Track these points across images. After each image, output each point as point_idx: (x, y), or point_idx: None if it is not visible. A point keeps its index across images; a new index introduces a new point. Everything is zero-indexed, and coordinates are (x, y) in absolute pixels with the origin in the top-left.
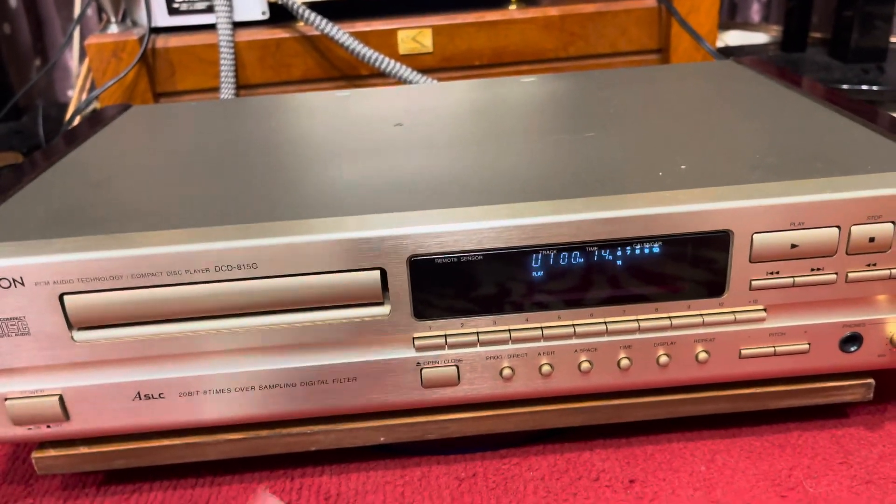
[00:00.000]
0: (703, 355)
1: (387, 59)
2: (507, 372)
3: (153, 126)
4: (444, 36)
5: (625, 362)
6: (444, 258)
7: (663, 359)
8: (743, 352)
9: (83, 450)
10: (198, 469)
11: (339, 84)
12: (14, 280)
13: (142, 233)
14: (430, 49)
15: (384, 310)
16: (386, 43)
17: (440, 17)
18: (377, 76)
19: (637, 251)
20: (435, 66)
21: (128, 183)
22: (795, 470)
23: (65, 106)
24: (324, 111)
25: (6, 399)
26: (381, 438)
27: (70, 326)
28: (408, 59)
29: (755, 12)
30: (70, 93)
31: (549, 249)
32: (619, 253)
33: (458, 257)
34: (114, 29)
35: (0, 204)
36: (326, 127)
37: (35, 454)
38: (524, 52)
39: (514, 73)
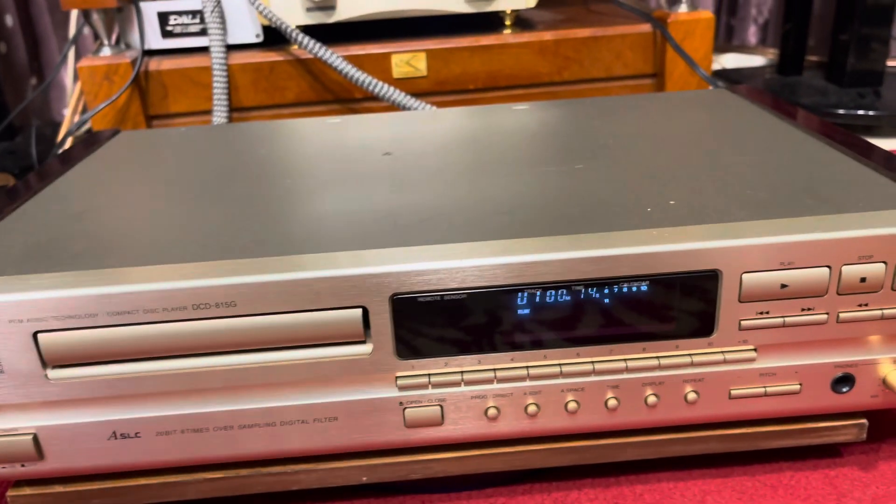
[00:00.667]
0: (692, 395)
1: (380, 84)
2: (492, 412)
3: (141, 153)
4: (438, 60)
5: (612, 402)
6: (427, 297)
7: (651, 399)
8: (733, 392)
9: (59, 489)
10: None
11: (333, 107)
12: None
13: (119, 269)
14: (425, 73)
15: (366, 348)
16: (380, 67)
17: (435, 41)
18: (371, 99)
19: (625, 290)
20: (429, 89)
21: (110, 214)
22: None
23: (59, 125)
24: (314, 139)
25: None
26: (364, 478)
27: (44, 364)
28: (402, 83)
29: (752, 35)
30: (65, 112)
31: (535, 288)
32: (606, 291)
33: (442, 296)
34: (106, 52)
35: None
36: (316, 155)
37: (10, 493)
38: (519, 76)
39: (509, 96)
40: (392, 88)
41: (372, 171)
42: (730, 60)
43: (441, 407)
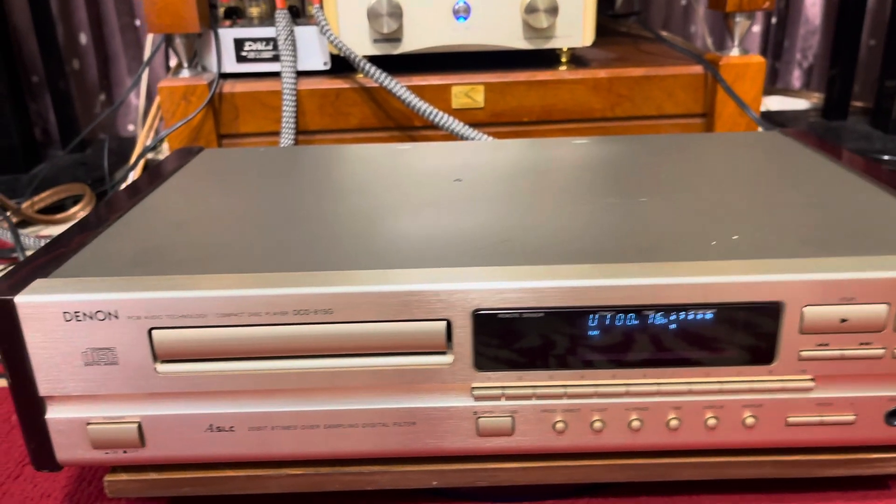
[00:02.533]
0: (750, 420)
1: (440, 113)
2: (559, 426)
3: (226, 169)
4: (495, 93)
5: (674, 423)
6: (507, 314)
7: (711, 421)
8: (789, 419)
9: (153, 475)
10: (258, 501)
11: (393, 133)
12: (109, 313)
13: (227, 275)
14: (482, 104)
15: (447, 359)
16: (440, 97)
17: (493, 74)
18: (430, 128)
19: (690, 317)
20: (485, 120)
21: (207, 225)
22: None
23: (126, 140)
24: (386, 163)
25: (88, 423)
26: (434, 483)
27: (155, 359)
28: (459, 113)
29: (796, 78)
30: (131, 127)
31: (607, 311)
32: (673, 317)
33: (521, 313)
34: (185, 73)
35: (92, 241)
36: (389, 179)
37: (108, 477)
38: (572, 111)
39: (562, 130)
40: (451, 118)
41: (445, 195)
42: (774, 103)
43: (512, 418)
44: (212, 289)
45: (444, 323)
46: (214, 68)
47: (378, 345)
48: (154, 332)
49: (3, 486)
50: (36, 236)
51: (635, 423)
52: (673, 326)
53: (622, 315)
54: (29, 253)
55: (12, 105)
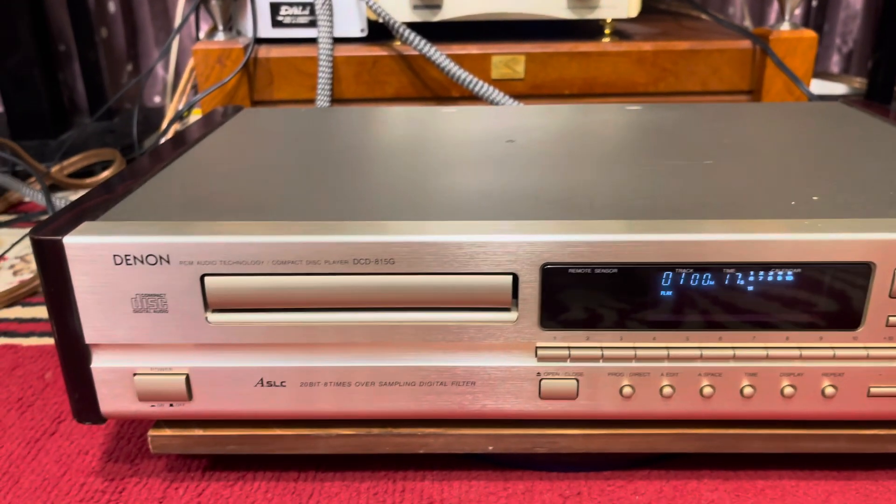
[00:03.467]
0: (829, 390)
1: (481, 83)
2: (627, 390)
3: (269, 127)
4: (536, 63)
5: (748, 390)
6: (578, 269)
7: (788, 390)
8: (872, 390)
9: (198, 431)
10: (301, 463)
11: (430, 103)
12: (161, 257)
13: (284, 221)
14: (522, 76)
15: (511, 316)
16: (479, 67)
17: (534, 44)
18: (468, 98)
19: (772, 277)
20: (525, 92)
21: (256, 176)
22: None
23: (152, 110)
24: (434, 124)
25: (135, 374)
26: (490, 447)
27: (206, 307)
28: (499, 84)
29: (834, 63)
30: (157, 99)
31: (685, 268)
32: (754, 277)
33: (592, 269)
34: (220, 37)
35: (138, 188)
36: (441, 139)
37: (152, 432)
38: (615, 85)
39: (604, 104)
40: (492, 88)
41: (500, 154)
42: (814, 86)
43: (577, 381)
44: (268, 234)
45: (511, 277)
46: (250, 33)
47: (440, 298)
48: (206, 278)
49: (38, 442)
50: (67, 200)
51: (707, 390)
52: (752, 287)
53: (699, 273)
54: None
55: (42, 71)
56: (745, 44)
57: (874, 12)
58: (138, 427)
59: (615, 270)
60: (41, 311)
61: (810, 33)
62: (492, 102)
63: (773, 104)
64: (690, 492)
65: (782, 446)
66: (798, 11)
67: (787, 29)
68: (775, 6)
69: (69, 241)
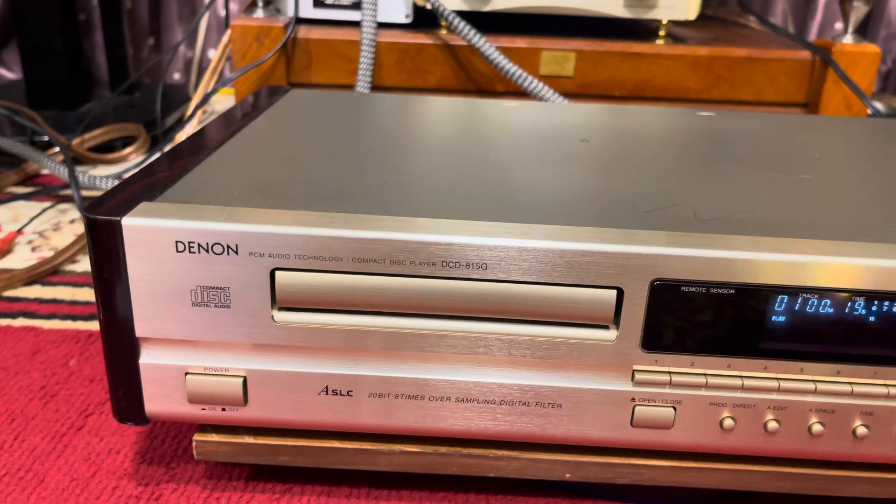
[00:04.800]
0: None
1: (531, 78)
2: (728, 423)
3: (321, 110)
4: (587, 62)
5: (861, 430)
6: (692, 287)
7: None
8: None
9: (248, 439)
10: (353, 478)
11: (473, 96)
12: (228, 247)
13: (367, 215)
14: (571, 73)
15: (610, 334)
16: (527, 62)
17: (585, 42)
18: (513, 94)
19: None
20: (573, 91)
21: (324, 163)
22: None
23: (173, 87)
24: (496, 117)
25: (187, 373)
26: (568, 475)
27: (273, 304)
28: (547, 81)
29: None
30: (177, 75)
31: (807, 293)
32: (877, 307)
33: (708, 288)
34: (260, 13)
35: (194, 167)
36: (511, 134)
37: (197, 437)
38: (667, 89)
39: (673, 107)
40: (542, 85)
41: (577, 154)
42: None
43: (675, 409)
44: (350, 228)
45: (615, 292)
46: (290, 12)
47: (534, 310)
48: (278, 273)
49: (65, 437)
50: (88, 175)
51: (816, 428)
52: (876, 317)
53: (820, 299)
54: (85, 192)
55: (64, 39)
56: (805, 55)
57: None
58: (173, 426)
59: (732, 291)
60: (63, 292)
61: (874, 48)
62: (540, 100)
63: (849, 118)
64: None
65: (888, 491)
66: (838, 26)
67: (850, 42)
68: (818, 18)
69: (128, 222)
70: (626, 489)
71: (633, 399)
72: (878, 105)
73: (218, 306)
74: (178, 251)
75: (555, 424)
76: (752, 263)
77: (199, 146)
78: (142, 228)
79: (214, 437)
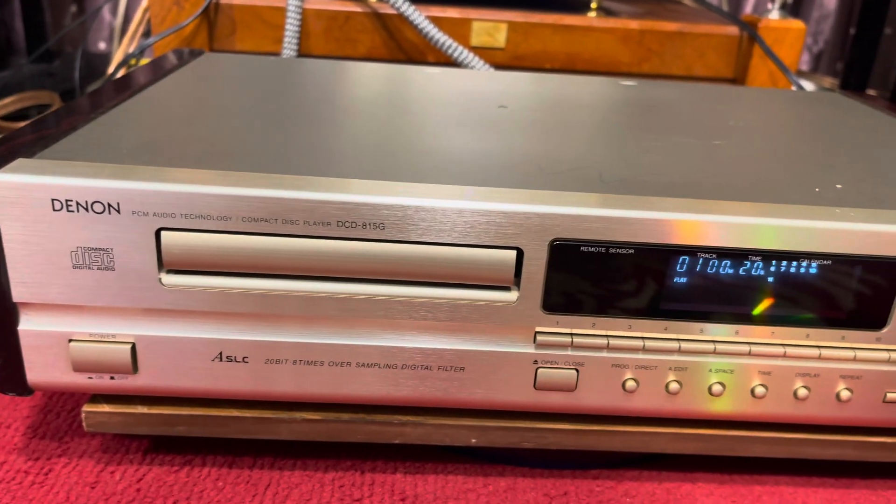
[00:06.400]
0: (845, 393)
1: (461, 48)
2: (630, 384)
3: (233, 73)
4: (519, 33)
5: (760, 390)
6: (591, 247)
7: (802, 392)
8: (888, 395)
9: (141, 409)
10: (257, 448)
11: (403, 66)
12: (110, 205)
13: (259, 173)
14: (503, 45)
15: (511, 296)
16: (458, 33)
17: (517, 13)
18: (444, 64)
19: (798, 268)
20: (505, 62)
21: (222, 123)
22: None
23: (97, 56)
24: (416, 83)
25: (70, 340)
26: (473, 440)
27: (161, 267)
28: (478, 52)
29: (804, 63)
30: (102, 45)
31: (706, 252)
32: (779, 268)
33: (607, 247)
34: None
35: (84, 125)
36: (428, 99)
37: (87, 407)
38: (598, 62)
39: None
40: (473, 55)
41: (493, 119)
42: None
43: (577, 371)
44: (239, 186)
45: (514, 252)
46: None
47: (433, 272)
48: (164, 233)
49: None
50: None
51: (716, 388)
52: (777, 278)
53: (720, 259)
54: None
55: None
56: (733, 30)
57: (846, 14)
58: (69, 400)
59: (631, 251)
60: None
61: (799, 24)
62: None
63: (769, 89)
64: (684, 495)
65: (786, 451)
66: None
67: (776, 18)
68: None
69: (0, 179)
70: (533, 454)
71: (536, 361)
72: (806, 83)
73: (101, 269)
74: (55, 210)
75: (458, 388)
76: (650, 223)
77: (93, 105)
78: (15, 185)
79: (106, 408)
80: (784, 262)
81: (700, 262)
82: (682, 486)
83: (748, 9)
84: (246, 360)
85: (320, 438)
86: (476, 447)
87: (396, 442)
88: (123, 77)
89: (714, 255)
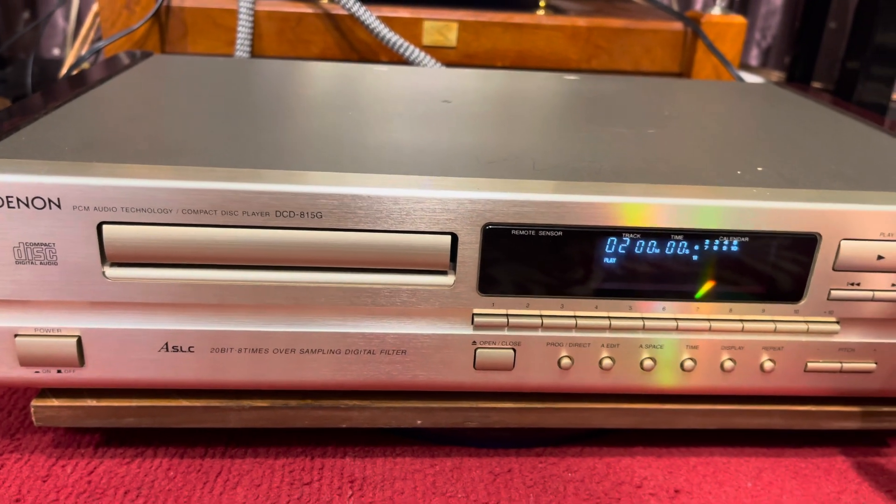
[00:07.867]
0: (768, 364)
1: (412, 48)
2: (565, 361)
3: (182, 74)
4: (469, 32)
5: (689, 363)
6: (522, 230)
7: (728, 364)
8: (809, 365)
9: (90, 402)
10: (209, 437)
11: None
12: (50, 201)
13: (197, 167)
14: (454, 44)
15: (448, 279)
16: (409, 32)
17: (468, 12)
18: (397, 64)
19: (719, 245)
20: (456, 61)
21: (167, 122)
22: (843, 494)
23: (50, 62)
24: (363, 81)
25: (16, 335)
26: (419, 421)
27: (104, 260)
28: (430, 52)
29: (753, 57)
30: (56, 51)
31: (631, 233)
32: (700, 246)
33: (537, 231)
34: None
35: (27, 125)
36: (372, 95)
37: (35, 402)
38: (548, 59)
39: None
40: (424, 54)
41: (436, 114)
42: None
43: (514, 351)
44: (178, 179)
45: (449, 237)
46: None
47: (371, 258)
48: (105, 227)
49: None
50: None
51: (647, 363)
52: (699, 256)
53: (645, 239)
54: None
55: None
56: (678, 26)
57: (793, 9)
58: (21, 397)
59: (560, 233)
60: None
61: (740, 19)
62: None
63: (708, 82)
64: (623, 468)
65: (717, 422)
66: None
67: (717, 13)
68: None
69: None
70: (478, 434)
71: (475, 342)
72: (753, 76)
73: (44, 263)
74: None
75: (401, 371)
76: (577, 206)
77: (37, 106)
78: None
79: (54, 402)
80: (706, 240)
81: (626, 242)
82: (622, 460)
83: (698, 6)
84: (192, 349)
85: (269, 425)
86: (422, 429)
87: (344, 426)
88: (71, 77)
89: (639, 235)
